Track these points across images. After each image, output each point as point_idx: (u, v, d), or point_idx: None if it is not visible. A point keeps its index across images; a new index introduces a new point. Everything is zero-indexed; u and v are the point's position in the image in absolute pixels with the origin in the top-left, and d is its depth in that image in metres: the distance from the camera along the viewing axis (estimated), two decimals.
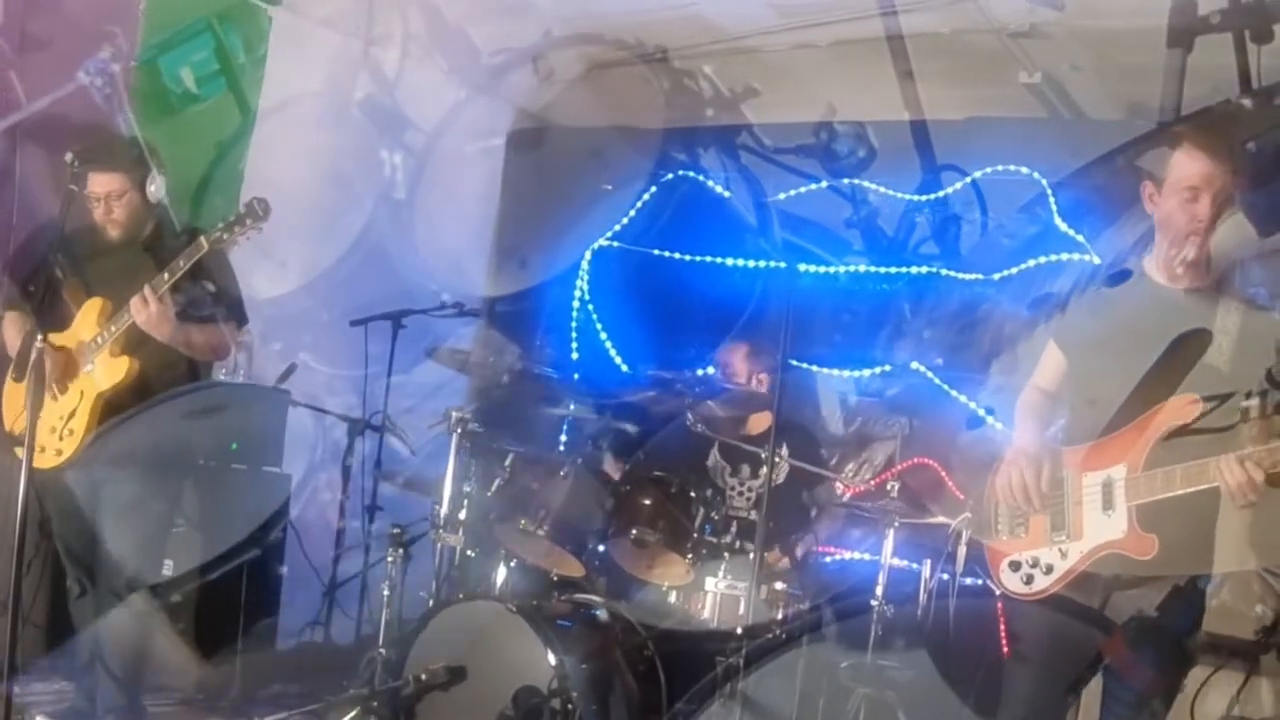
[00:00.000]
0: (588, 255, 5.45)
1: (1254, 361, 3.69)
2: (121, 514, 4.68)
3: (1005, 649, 4.16)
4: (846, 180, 5.65)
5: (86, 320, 4.75)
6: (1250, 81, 4.75)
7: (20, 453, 4.34)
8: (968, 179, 5.52)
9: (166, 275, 4.57)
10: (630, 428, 5.47)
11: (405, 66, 6.49)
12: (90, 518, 4.67)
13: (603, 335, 5.49)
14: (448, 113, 6.53)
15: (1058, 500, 3.90)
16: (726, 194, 5.44)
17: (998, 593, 4.06)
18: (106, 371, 4.67)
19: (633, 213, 5.45)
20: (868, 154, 5.72)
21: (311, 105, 6.45)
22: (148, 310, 4.57)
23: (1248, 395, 3.62)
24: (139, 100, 5.83)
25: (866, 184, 5.66)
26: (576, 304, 5.48)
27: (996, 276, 5.27)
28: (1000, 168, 5.52)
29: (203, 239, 4.55)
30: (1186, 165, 3.81)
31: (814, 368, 5.71)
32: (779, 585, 5.16)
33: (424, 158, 6.49)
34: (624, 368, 5.50)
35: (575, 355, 5.56)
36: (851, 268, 5.65)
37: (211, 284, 4.72)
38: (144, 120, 5.71)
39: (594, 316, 5.49)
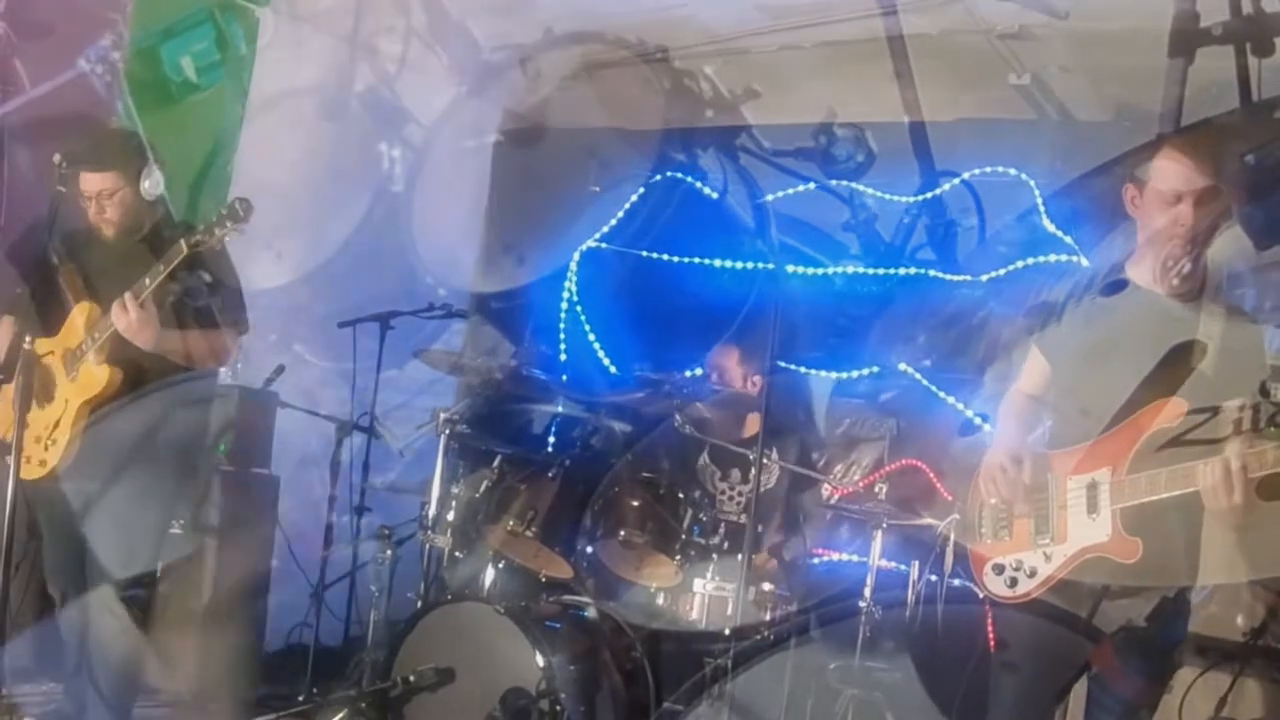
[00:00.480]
0: (575, 256, 5.43)
1: (1239, 368, 3.71)
2: (110, 525, 4.62)
3: (991, 653, 4.18)
4: (834, 181, 5.64)
5: (75, 325, 4.69)
6: (1250, 94, 4.76)
7: (10, 460, 4.34)
8: (955, 180, 5.52)
9: (148, 280, 4.45)
10: (621, 427, 5.48)
11: (407, 60, 6.49)
12: (75, 531, 4.63)
13: (591, 337, 5.49)
14: (445, 109, 6.53)
15: (1041, 504, 3.90)
16: (714, 195, 5.42)
17: (981, 596, 4.07)
18: (88, 381, 4.59)
19: (621, 214, 5.43)
20: (866, 158, 5.70)
21: (307, 99, 6.45)
22: (127, 317, 4.46)
23: (1240, 408, 3.63)
24: (139, 89, 5.83)
25: (855, 186, 5.65)
26: (564, 305, 5.46)
27: (984, 278, 5.27)
28: (989, 169, 5.51)
29: (182, 242, 4.45)
30: (1166, 169, 3.84)
31: (804, 370, 5.71)
32: (767, 587, 5.17)
33: (421, 153, 6.49)
34: (612, 369, 5.50)
35: (563, 357, 5.55)
36: (838, 269, 5.64)
37: (209, 285, 4.65)
38: (143, 109, 5.71)
39: (582, 318, 5.48)
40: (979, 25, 5.39)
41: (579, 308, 5.45)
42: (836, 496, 5.57)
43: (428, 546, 5.44)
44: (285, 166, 6.25)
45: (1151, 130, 4.75)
